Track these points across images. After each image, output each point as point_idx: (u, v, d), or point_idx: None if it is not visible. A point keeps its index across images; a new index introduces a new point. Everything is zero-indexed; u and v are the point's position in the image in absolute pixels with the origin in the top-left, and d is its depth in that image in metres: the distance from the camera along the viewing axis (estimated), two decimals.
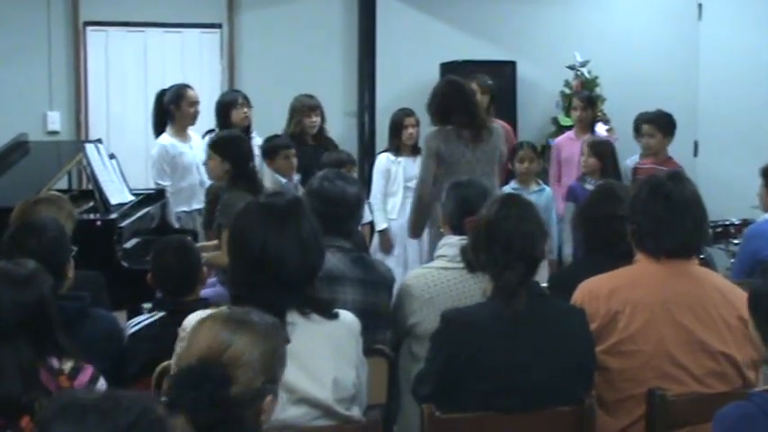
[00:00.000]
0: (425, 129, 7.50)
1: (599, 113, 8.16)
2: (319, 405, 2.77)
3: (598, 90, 8.79)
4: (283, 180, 6.24)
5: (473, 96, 6.17)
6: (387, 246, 7.14)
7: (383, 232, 7.14)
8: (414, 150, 7.17)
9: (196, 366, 2.14)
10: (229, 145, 5.56)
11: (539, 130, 9.05)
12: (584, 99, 7.71)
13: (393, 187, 7.16)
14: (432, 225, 5.78)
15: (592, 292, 3.33)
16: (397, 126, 7.17)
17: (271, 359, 2.24)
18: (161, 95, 6.86)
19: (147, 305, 4.20)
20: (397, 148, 7.17)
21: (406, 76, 8.95)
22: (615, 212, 3.79)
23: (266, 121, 7.18)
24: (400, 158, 7.15)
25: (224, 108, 6.88)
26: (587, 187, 6.28)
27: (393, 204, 7.17)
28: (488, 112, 7.03)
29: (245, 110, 6.87)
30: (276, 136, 6.66)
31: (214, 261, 5.17)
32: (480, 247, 3.21)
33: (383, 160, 7.22)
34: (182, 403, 2.06)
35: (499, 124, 6.76)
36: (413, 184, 7.08)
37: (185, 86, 6.90)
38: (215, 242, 5.55)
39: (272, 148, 6.35)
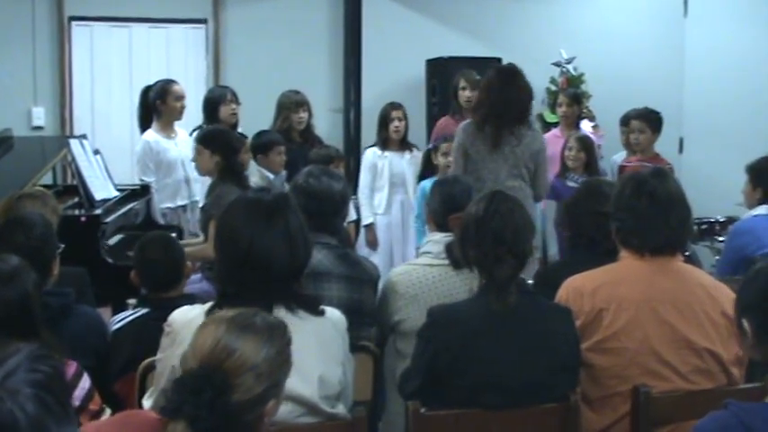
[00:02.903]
0: (413, 123, 7.52)
1: (584, 110, 8.18)
2: (305, 402, 2.77)
3: (583, 87, 8.81)
4: (271, 176, 6.24)
5: (511, 94, 5.65)
6: (372, 241, 7.14)
7: (369, 227, 7.15)
8: (401, 145, 7.17)
9: (197, 371, 2.10)
10: (218, 138, 5.56)
11: None
12: (570, 96, 7.73)
13: (379, 182, 7.16)
14: None
15: (576, 289, 3.33)
16: (383, 119, 7.17)
17: (274, 364, 2.19)
18: (146, 92, 6.84)
19: (132, 301, 4.18)
20: (384, 141, 7.17)
21: (392, 73, 8.96)
22: (600, 209, 3.80)
23: (251, 118, 7.16)
24: (387, 153, 7.15)
25: (212, 104, 6.85)
26: (569, 184, 6.32)
27: (379, 200, 7.17)
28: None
29: (234, 106, 6.84)
30: (265, 131, 6.65)
31: (197, 254, 5.16)
32: (470, 243, 3.21)
33: (370, 155, 7.23)
34: (182, 409, 2.05)
35: None
36: (399, 179, 7.11)
37: (171, 81, 6.87)
38: (200, 239, 5.55)
39: (267, 144, 6.34)
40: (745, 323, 2.28)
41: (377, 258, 6.67)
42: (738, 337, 2.32)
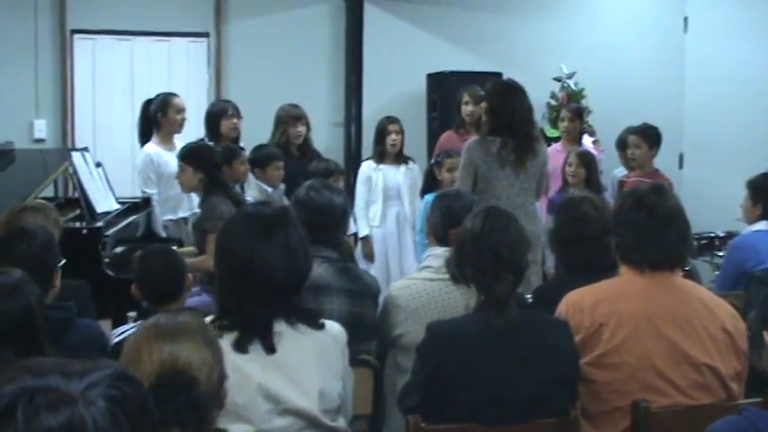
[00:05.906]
0: (414, 138, 7.53)
1: (585, 125, 8.19)
2: (305, 416, 2.77)
3: (584, 102, 8.81)
4: (269, 189, 6.25)
5: (527, 111, 5.69)
6: (368, 253, 7.16)
7: (365, 239, 7.17)
8: (397, 159, 7.19)
9: (159, 383, 2.14)
10: (200, 154, 5.62)
11: None
12: (572, 110, 7.74)
13: (374, 195, 7.18)
14: None
15: (576, 304, 3.34)
16: (380, 133, 7.19)
17: (214, 348, 2.28)
18: (147, 105, 6.85)
19: (132, 314, 4.18)
20: (380, 154, 7.19)
21: (393, 87, 8.97)
22: (587, 234, 3.81)
23: (253, 131, 7.18)
24: (382, 166, 7.17)
25: (213, 118, 6.87)
26: None
27: (374, 212, 7.19)
28: (481, 124, 7.01)
29: (235, 120, 6.85)
30: (264, 146, 6.67)
31: (197, 265, 5.16)
32: (467, 261, 3.21)
33: (365, 168, 7.26)
34: (167, 418, 2.06)
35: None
36: (393, 192, 7.12)
37: (171, 94, 6.89)
38: (191, 248, 5.56)
39: (266, 158, 6.36)
40: (765, 336, 2.30)
41: (373, 270, 6.67)
42: (741, 350, 2.33)
